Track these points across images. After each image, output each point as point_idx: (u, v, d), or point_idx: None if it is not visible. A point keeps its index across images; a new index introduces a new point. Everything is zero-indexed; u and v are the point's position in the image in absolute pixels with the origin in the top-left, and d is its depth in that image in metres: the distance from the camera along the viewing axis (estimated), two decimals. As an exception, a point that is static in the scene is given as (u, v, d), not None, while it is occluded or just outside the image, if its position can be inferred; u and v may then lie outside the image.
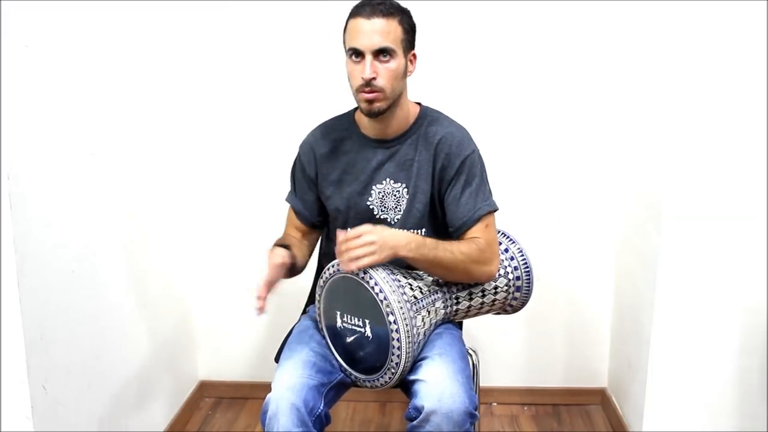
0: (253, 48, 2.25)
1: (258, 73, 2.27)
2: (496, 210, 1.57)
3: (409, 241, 1.46)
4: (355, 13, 1.48)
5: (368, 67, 1.45)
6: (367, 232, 1.43)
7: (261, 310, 1.45)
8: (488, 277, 1.56)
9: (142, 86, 2.06)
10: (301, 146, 1.68)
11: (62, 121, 1.64)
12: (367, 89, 1.47)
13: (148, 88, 2.11)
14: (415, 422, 1.41)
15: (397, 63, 1.48)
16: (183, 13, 2.23)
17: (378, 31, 1.45)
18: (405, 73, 1.52)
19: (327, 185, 1.64)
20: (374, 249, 1.41)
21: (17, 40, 1.47)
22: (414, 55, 1.54)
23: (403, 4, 1.54)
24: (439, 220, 1.61)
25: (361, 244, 1.41)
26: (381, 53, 1.46)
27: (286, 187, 1.75)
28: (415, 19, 1.55)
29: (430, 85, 2.06)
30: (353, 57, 1.48)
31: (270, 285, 1.49)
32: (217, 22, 2.25)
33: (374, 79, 1.46)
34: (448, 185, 1.56)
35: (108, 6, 1.84)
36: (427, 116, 1.60)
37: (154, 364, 2.15)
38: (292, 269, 1.58)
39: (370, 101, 1.49)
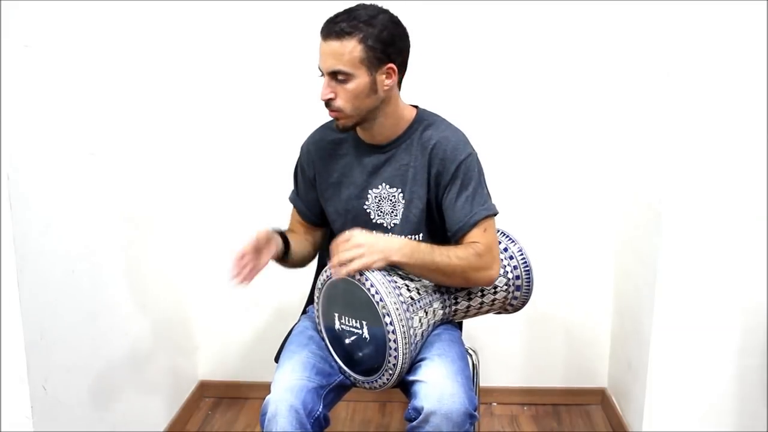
0: (253, 49, 2.25)
1: (258, 74, 2.27)
2: (495, 214, 1.55)
3: (402, 246, 1.46)
4: (320, 30, 1.47)
5: (324, 88, 1.47)
6: (356, 236, 1.45)
7: (239, 278, 1.47)
8: (488, 282, 1.55)
9: (142, 86, 2.06)
10: (302, 148, 1.69)
11: (62, 121, 1.64)
12: (327, 108, 1.50)
13: (148, 88, 2.11)
14: (414, 423, 1.41)
15: (356, 84, 1.45)
16: (183, 13, 2.23)
17: (331, 53, 1.44)
18: (373, 90, 1.48)
19: (325, 188, 1.65)
20: (363, 251, 1.42)
21: (17, 40, 1.47)
22: (392, 68, 1.48)
23: (400, 5, 1.52)
24: (436, 225, 1.59)
25: (349, 247, 1.43)
26: (337, 75, 1.45)
27: (286, 187, 1.76)
28: (413, 19, 1.53)
29: (430, 86, 2.06)
30: (320, 74, 1.50)
31: (247, 253, 1.47)
32: (217, 23, 2.25)
33: (332, 99, 1.47)
34: (444, 190, 1.54)
35: (108, 6, 1.84)
36: (423, 120, 1.58)
37: (154, 364, 2.16)
38: (285, 257, 1.61)
39: (334, 119, 1.52)
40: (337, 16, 1.46)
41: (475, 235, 1.51)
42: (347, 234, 1.46)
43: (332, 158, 1.63)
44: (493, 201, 1.57)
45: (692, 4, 1.75)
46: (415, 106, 1.62)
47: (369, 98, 1.48)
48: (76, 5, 1.70)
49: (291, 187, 1.75)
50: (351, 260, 1.41)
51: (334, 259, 1.44)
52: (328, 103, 1.48)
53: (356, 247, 1.43)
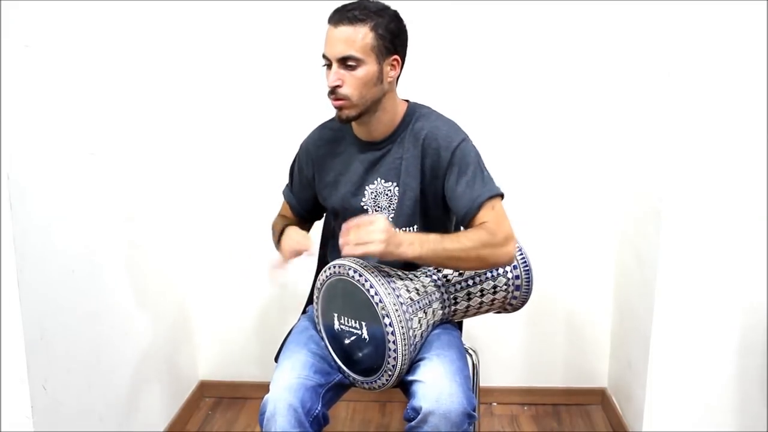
0: (253, 48, 2.25)
1: (257, 73, 2.27)
2: (499, 194, 1.52)
3: (412, 241, 1.43)
4: (328, 19, 1.48)
5: (332, 75, 1.47)
6: (380, 221, 1.39)
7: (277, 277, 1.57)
8: (507, 260, 1.50)
9: (142, 86, 2.07)
10: (300, 147, 1.70)
11: (62, 121, 1.64)
12: (332, 97, 1.49)
13: (148, 88, 2.11)
14: (413, 423, 1.41)
15: (365, 71, 1.46)
16: (183, 13, 2.23)
17: (343, 39, 1.45)
18: (380, 80, 1.49)
19: (323, 187, 1.65)
20: (383, 238, 1.37)
21: (17, 40, 1.47)
22: (396, 60, 1.51)
23: (397, 3, 1.53)
24: (431, 216, 1.59)
25: (371, 230, 1.37)
26: (347, 61, 1.46)
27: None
28: (412, 17, 1.54)
29: (430, 85, 2.06)
30: (325, 63, 1.50)
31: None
32: (216, 23, 2.25)
33: (339, 87, 1.47)
34: (443, 179, 1.54)
35: (108, 6, 1.85)
36: (414, 113, 1.59)
37: (154, 364, 2.16)
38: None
39: (338, 108, 1.51)
40: (346, 5, 1.48)
41: (483, 216, 1.49)
42: (370, 217, 1.41)
43: (330, 157, 1.64)
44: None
45: (692, 4, 1.75)
46: (406, 101, 1.62)
47: (375, 87, 1.49)
48: (76, 5, 1.70)
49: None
50: (367, 243, 1.36)
51: (353, 238, 1.38)
52: (334, 90, 1.48)
53: (378, 232, 1.37)
